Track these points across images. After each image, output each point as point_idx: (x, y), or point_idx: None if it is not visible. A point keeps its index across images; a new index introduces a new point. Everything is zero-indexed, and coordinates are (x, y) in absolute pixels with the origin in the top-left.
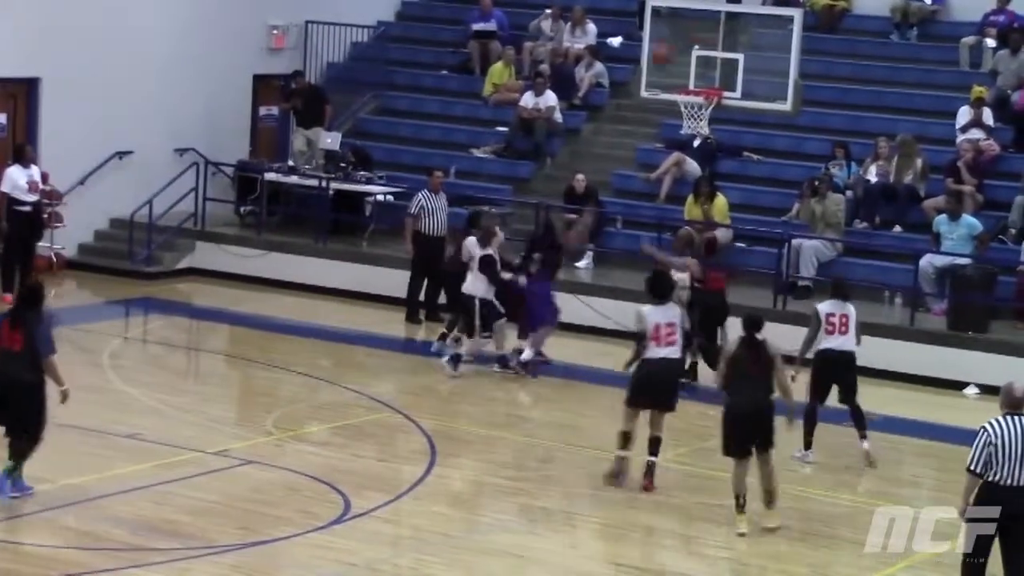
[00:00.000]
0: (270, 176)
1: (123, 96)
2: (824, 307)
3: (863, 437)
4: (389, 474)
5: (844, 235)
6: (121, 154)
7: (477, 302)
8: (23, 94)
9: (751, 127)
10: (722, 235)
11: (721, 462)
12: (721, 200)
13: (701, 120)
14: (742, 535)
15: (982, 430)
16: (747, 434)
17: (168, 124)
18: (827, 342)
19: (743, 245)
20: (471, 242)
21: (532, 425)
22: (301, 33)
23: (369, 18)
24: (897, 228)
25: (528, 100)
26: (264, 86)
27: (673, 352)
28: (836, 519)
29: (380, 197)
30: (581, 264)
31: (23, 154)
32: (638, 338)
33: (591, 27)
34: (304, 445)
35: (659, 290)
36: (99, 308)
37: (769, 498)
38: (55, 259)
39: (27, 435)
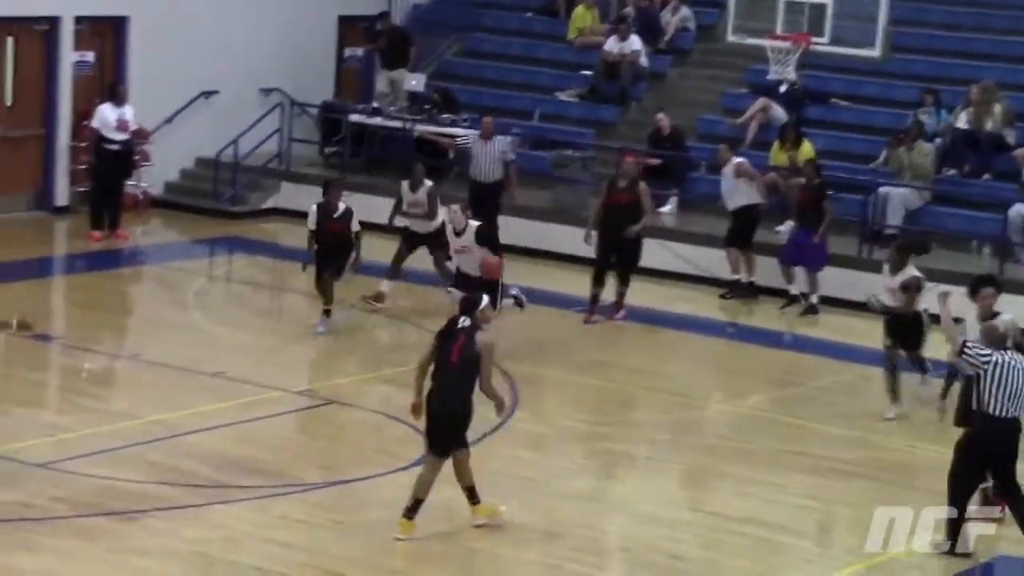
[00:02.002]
0: (354, 117)
1: (209, 36)
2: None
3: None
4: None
5: (933, 183)
6: (207, 94)
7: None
8: (111, 33)
9: (839, 73)
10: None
11: (802, 411)
12: (807, 147)
13: (788, 65)
14: (397, 540)
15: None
16: (437, 434)
17: (254, 64)
18: None
19: (830, 192)
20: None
21: (613, 370)
22: None
23: None
24: (986, 176)
25: (612, 44)
26: (349, 27)
27: None
28: (918, 469)
29: (464, 139)
30: (665, 209)
31: (116, 93)
32: None
33: None
34: (386, 385)
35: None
36: (185, 247)
37: (470, 494)
38: (142, 197)
39: None
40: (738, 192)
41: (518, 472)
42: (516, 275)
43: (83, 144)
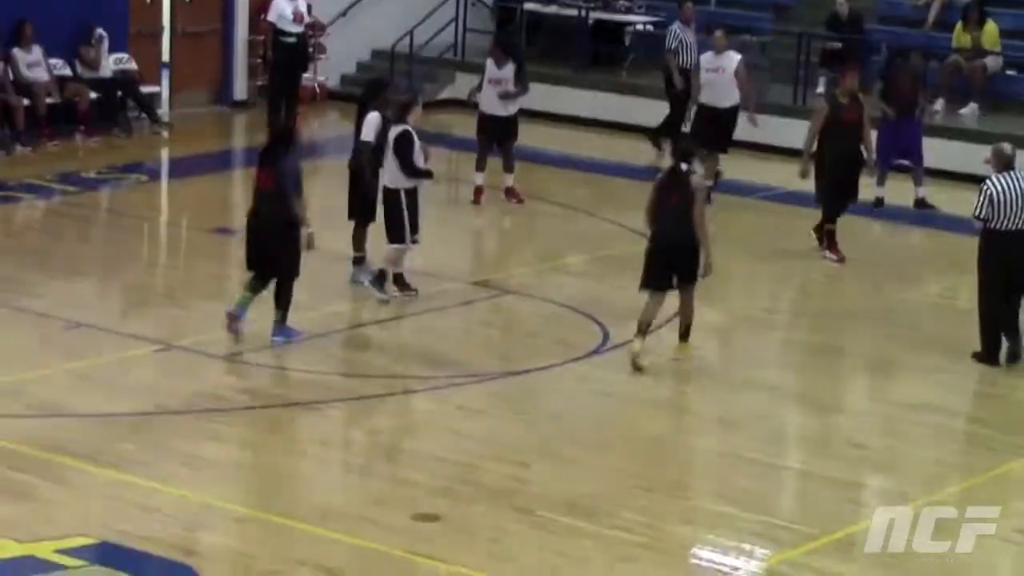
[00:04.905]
0: (529, 6)
1: None
2: None
3: None
4: None
5: None
6: None
7: (403, 195)
8: None
9: None
10: (992, 63)
11: None
12: (991, 26)
13: None
14: (635, 355)
15: (984, 185)
16: (663, 270)
17: None
18: None
19: (1014, 73)
20: (374, 118)
21: (791, 257)
22: None
23: None
24: None
25: None
26: None
27: None
28: None
29: (639, 27)
30: None
31: None
32: None
33: None
34: (562, 276)
35: None
36: None
37: (684, 331)
38: (319, 90)
39: (280, 275)
40: (731, 89)
41: (696, 361)
42: None
43: (260, 38)
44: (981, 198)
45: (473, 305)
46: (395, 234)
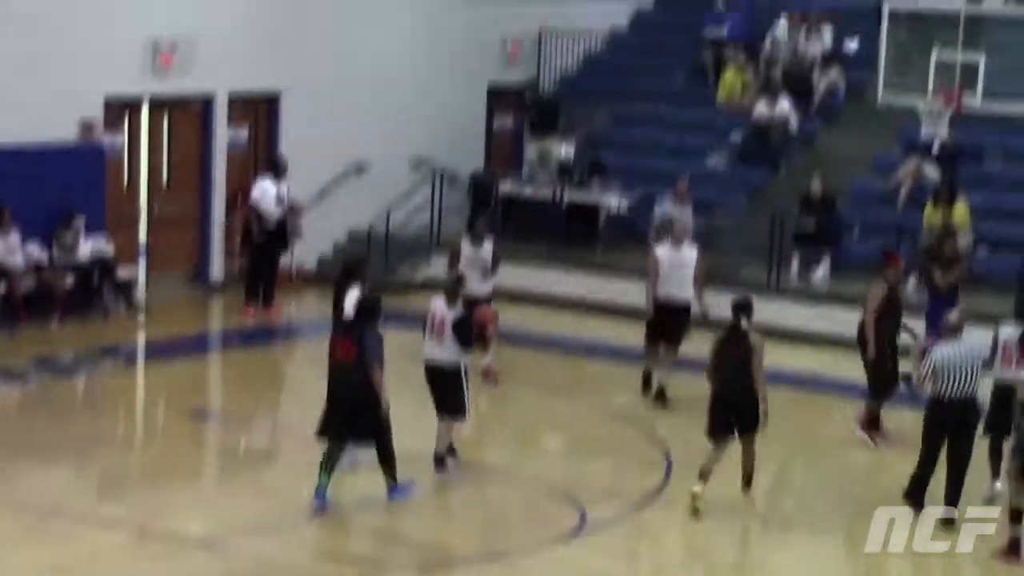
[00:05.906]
0: (505, 187)
1: (360, 109)
2: (1008, 332)
3: (995, 477)
4: (627, 486)
5: None
6: (358, 167)
7: (463, 368)
8: (264, 109)
9: (995, 129)
10: (964, 242)
11: None
12: (961, 207)
13: (941, 124)
14: (694, 494)
15: (929, 353)
16: (725, 420)
17: (404, 136)
18: (1005, 372)
19: (985, 252)
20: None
21: (768, 437)
22: (535, 43)
23: (603, 25)
24: None
25: (762, 108)
26: (499, 97)
27: None
28: None
29: (614, 207)
30: (818, 274)
31: (278, 167)
32: None
33: (827, 32)
34: (539, 457)
35: None
36: None
37: (747, 479)
38: (295, 272)
39: (375, 437)
40: (690, 283)
41: (676, 540)
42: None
43: (243, 219)
44: (926, 365)
45: (451, 487)
46: (460, 408)
